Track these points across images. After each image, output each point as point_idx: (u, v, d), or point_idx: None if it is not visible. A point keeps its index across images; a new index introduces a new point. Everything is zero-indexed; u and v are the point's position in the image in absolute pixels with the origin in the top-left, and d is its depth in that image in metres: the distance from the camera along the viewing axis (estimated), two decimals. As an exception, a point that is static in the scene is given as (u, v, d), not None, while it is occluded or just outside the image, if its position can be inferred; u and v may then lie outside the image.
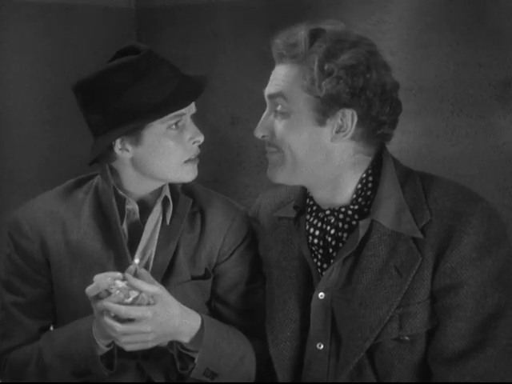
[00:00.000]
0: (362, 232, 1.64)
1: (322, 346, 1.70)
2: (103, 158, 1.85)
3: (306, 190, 1.77)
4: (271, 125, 1.67)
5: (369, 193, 1.67)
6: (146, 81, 1.77)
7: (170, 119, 1.79)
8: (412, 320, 1.59)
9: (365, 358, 1.63)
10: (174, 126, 1.80)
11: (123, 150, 1.82)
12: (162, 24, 3.38)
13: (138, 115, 1.77)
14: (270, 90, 1.67)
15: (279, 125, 1.65)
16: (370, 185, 1.68)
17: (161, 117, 1.78)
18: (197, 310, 1.85)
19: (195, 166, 1.86)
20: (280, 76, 1.65)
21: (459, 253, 1.56)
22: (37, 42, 3.11)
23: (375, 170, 1.69)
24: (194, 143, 1.84)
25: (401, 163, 1.73)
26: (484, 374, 1.55)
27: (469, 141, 2.61)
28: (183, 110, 1.81)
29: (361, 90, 1.60)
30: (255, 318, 1.91)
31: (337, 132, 1.63)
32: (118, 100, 1.77)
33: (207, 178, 3.17)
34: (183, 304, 1.82)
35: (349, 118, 1.61)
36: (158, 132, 1.80)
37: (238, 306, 1.94)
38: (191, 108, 1.85)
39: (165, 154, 1.81)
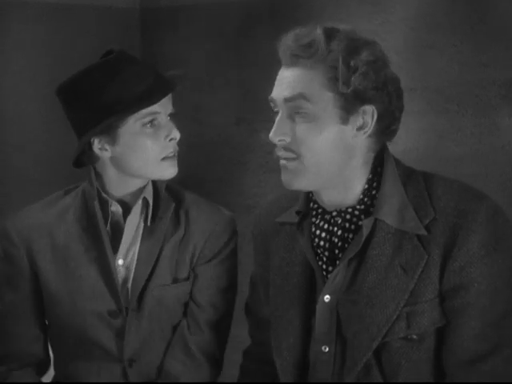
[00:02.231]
0: (365, 231, 1.64)
1: (327, 349, 1.70)
2: (86, 158, 1.90)
3: (309, 194, 1.76)
4: (289, 129, 1.62)
5: (373, 192, 1.67)
6: (119, 80, 1.80)
7: (143, 117, 1.82)
8: (420, 318, 1.59)
9: (372, 357, 1.62)
10: (149, 125, 1.82)
11: (102, 150, 1.86)
12: (166, 24, 3.38)
13: (111, 113, 1.80)
14: (285, 93, 1.61)
15: (300, 128, 1.60)
16: (374, 184, 1.68)
17: (131, 114, 1.81)
18: (170, 313, 1.94)
19: (174, 162, 1.90)
20: (296, 78, 1.61)
21: (467, 251, 1.55)
22: (39, 41, 3.12)
23: (378, 170, 1.69)
24: (170, 140, 1.86)
25: (402, 163, 1.72)
26: (501, 374, 1.55)
27: (474, 141, 2.61)
28: (157, 109, 1.83)
29: (383, 85, 1.60)
30: (222, 316, 1.99)
31: (358, 129, 1.62)
32: (94, 100, 1.81)
33: (212, 178, 3.19)
34: (158, 307, 1.91)
35: (369, 114, 1.61)
36: (132, 130, 1.83)
37: (208, 306, 1.98)
38: (167, 106, 1.87)
39: (141, 152, 1.85)
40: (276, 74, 1.68)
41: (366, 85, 1.59)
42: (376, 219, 1.64)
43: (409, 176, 1.68)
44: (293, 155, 1.63)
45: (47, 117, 3.08)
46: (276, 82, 1.66)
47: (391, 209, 1.63)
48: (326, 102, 1.59)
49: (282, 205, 1.84)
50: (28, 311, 1.97)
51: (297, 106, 1.60)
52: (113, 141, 1.84)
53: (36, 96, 3.09)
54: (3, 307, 1.97)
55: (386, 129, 1.65)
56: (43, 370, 2.04)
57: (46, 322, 2.02)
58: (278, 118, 1.63)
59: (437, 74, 2.68)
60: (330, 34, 1.60)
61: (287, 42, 1.62)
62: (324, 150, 1.61)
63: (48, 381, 2.07)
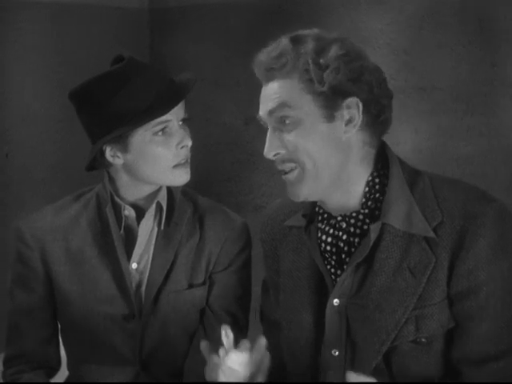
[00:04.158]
0: (373, 236, 1.63)
1: (337, 353, 1.69)
2: (99, 164, 1.90)
3: None
4: (281, 141, 1.63)
5: (377, 195, 1.66)
6: (128, 90, 1.80)
7: (153, 126, 1.81)
8: (428, 321, 1.58)
9: (381, 361, 1.61)
10: (160, 133, 1.82)
11: (115, 157, 1.86)
12: (175, 24, 3.38)
13: (122, 123, 1.80)
14: (268, 106, 1.63)
15: (290, 136, 1.61)
16: (377, 187, 1.67)
17: (141, 125, 1.80)
18: (185, 318, 1.93)
19: (186, 169, 1.88)
20: (274, 90, 1.62)
21: (475, 254, 1.54)
22: (50, 41, 3.13)
23: (380, 172, 1.68)
24: (182, 148, 1.85)
25: (407, 164, 1.71)
26: None
27: (483, 140, 2.61)
28: (168, 117, 1.82)
29: (359, 75, 1.60)
30: (239, 324, 1.97)
31: (346, 124, 1.62)
32: (104, 108, 1.81)
33: (221, 178, 3.19)
34: (173, 312, 1.91)
35: (354, 106, 1.61)
36: (143, 139, 1.82)
37: (224, 314, 1.97)
38: (178, 113, 1.85)
39: (153, 160, 1.84)
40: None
41: (340, 79, 1.58)
42: (383, 223, 1.63)
43: (414, 177, 1.67)
44: (292, 165, 1.63)
45: (59, 116, 3.09)
46: (260, 101, 1.67)
47: (399, 212, 1.62)
48: (307, 104, 1.60)
49: (289, 208, 1.83)
50: (40, 313, 1.97)
51: (281, 115, 1.61)
52: (124, 149, 1.84)
53: (47, 96, 3.10)
54: (16, 308, 1.97)
55: (376, 118, 1.64)
56: (53, 372, 2.05)
57: (59, 325, 2.02)
58: (268, 134, 1.64)
59: (446, 73, 2.68)
60: (296, 41, 1.61)
61: (260, 59, 1.63)
62: (319, 152, 1.61)
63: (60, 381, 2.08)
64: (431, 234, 1.59)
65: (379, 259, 1.62)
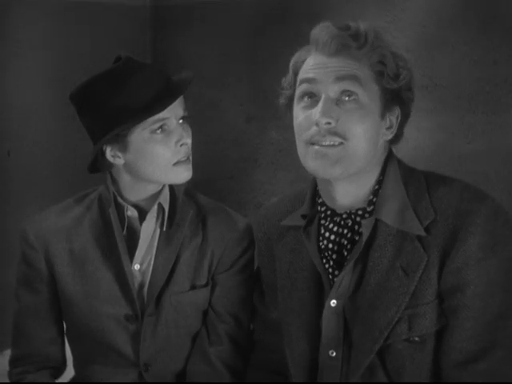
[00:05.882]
0: (365, 231, 1.62)
1: (334, 353, 1.68)
2: (101, 165, 1.90)
3: (315, 197, 1.75)
4: (336, 113, 1.58)
5: (380, 191, 1.67)
6: (126, 88, 1.80)
7: (151, 124, 1.81)
8: (421, 321, 1.58)
9: (376, 359, 1.61)
10: (158, 131, 1.82)
11: (115, 157, 1.86)
12: (176, 21, 3.39)
13: (120, 122, 1.80)
14: (338, 73, 1.58)
15: (349, 114, 1.58)
16: (382, 184, 1.67)
17: (137, 123, 1.80)
18: (187, 320, 1.93)
19: (188, 167, 1.88)
20: (346, 63, 1.58)
21: (464, 253, 1.54)
22: (52, 39, 3.13)
23: (382, 170, 1.69)
24: (181, 146, 1.85)
25: (404, 162, 1.71)
26: (495, 375, 1.54)
27: (485, 138, 2.61)
28: (166, 114, 1.82)
29: (412, 89, 1.63)
30: (241, 325, 1.97)
31: (387, 129, 1.63)
32: (101, 110, 1.81)
33: (223, 176, 3.19)
34: (175, 313, 1.90)
35: (395, 116, 1.62)
36: (142, 138, 1.82)
37: (227, 315, 1.97)
38: (177, 111, 1.85)
39: (153, 158, 1.84)
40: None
41: (406, 84, 1.60)
42: (377, 220, 1.63)
43: (410, 176, 1.67)
44: (339, 140, 1.58)
45: (63, 114, 3.08)
46: (313, 69, 1.61)
47: (391, 209, 1.62)
48: (373, 92, 1.59)
49: (285, 208, 1.83)
50: (45, 313, 1.97)
51: (349, 88, 1.58)
52: (124, 148, 1.84)
53: (49, 93, 3.10)
54: (21, 308, 1.98)
55: (399, 135, 1.66)
56: (59, 372, 2.05)
57: (64, 325, 2.03)
58: (322, 100, 1.59)
59: (448, 71, 2.68)
60: (376, 30, 1.61)
61: (333, 29, 1.59)
62: (365, 139, 1.59)
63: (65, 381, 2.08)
64: (422, 233, 1.59)
65: (373, 258, 1.62)
